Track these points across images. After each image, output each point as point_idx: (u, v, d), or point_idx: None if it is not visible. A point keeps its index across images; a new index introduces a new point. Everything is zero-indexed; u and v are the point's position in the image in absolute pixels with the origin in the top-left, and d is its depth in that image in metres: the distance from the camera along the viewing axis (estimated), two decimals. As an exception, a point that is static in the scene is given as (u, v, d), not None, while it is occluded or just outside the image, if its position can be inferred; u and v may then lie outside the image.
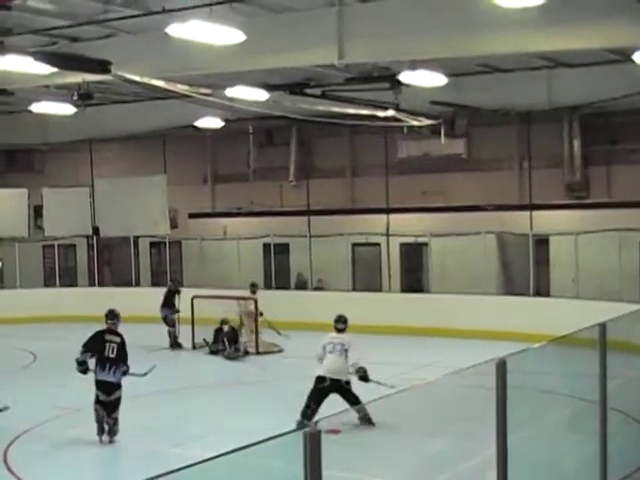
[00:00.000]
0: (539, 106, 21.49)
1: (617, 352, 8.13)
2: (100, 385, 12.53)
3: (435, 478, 9.00)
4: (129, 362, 12.74)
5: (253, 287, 21.14)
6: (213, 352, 20.13)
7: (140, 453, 11.91)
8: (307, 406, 12.53)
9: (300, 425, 11.92)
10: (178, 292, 21.63)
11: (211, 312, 20.34)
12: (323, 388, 12.62)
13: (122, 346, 12.73)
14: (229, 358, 19.60)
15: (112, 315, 13.18)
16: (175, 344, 21.14)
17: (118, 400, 12.52)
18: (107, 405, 12.47)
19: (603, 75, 19.42)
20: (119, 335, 12.88)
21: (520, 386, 7.16)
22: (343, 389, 12.65)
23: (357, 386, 12.65)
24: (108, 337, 12.78)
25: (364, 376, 12.80)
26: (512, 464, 5.89)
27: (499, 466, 5.76)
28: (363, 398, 11.81)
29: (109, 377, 12.52)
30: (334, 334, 13.32)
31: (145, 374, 13.38)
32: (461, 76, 19.99)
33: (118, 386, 12.57)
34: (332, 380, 12.63)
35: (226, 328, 20.23)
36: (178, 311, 21.34)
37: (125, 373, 12.69)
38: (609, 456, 7.39)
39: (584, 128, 24.06)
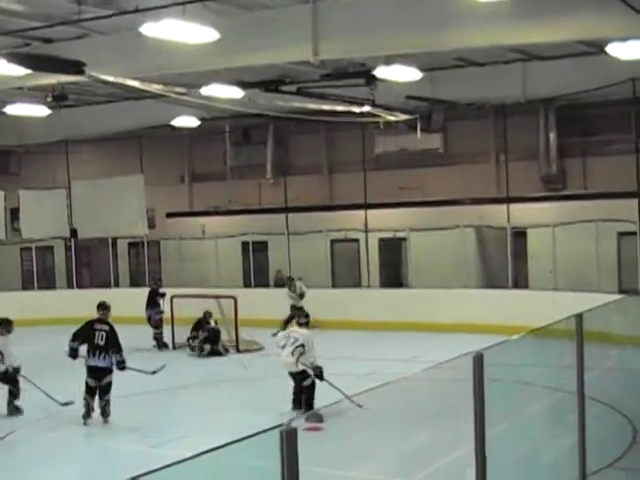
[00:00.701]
0: (514, 99, 21.58)
1: (594, 343, 8.18)
2: (91, 371, 13.29)
3: (416, 473, 9.04)
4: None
5: (290, 280, 21.74)
6: (190, 344, 20.04)
7: (122, 453, 11.90)
8: (293, 392, 13.37)
9: (293, 407, 13.14)
10: (161, 293, 21.52)
11: (191, 312, 20.29)
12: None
13: (112, 334, 13.46)
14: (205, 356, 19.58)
15: (103, 307, 14.03)
16: (161, 344, 21.06)
17: (109, 384, 13.31)
18: (99, 390, 13.32)
19: (577, 67, 19.54)
20: (108, 324, 13.64)
21: (499, 379, 7.20)
22: (295, 380, 13.28)
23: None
24: (97, 326, 13.57)
25: (319, 375, 13.09)
26: (491, 457, 5.91)
27: (478, 460, 5.78)
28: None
29: (99, 362, 13.29)
30: (295, 327, 14.03)
31: (154, 372, 14.37)
32: (436, 70, 20.07)
33: (109, 371, 13.32)
34: (290, 373, 13.30)
35: (212, 323, 20.17)
36: (162, 311, 21.25)
37: (121, 364, 13.34)
38: (588, 447, 7.43)
39: (559, 120, 24.17)
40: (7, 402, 14.15)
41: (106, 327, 13.55)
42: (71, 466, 11.33)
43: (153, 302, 21.37)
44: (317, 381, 13.17)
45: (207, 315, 20.25)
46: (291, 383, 13.40)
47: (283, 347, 13.31)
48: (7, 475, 10.83)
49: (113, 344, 13.35)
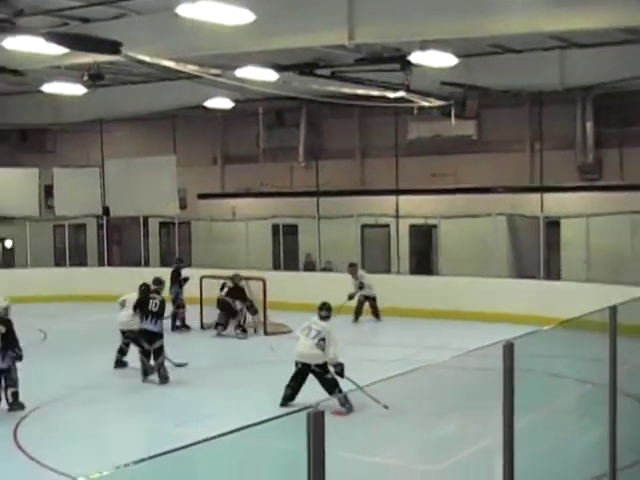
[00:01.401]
0: (551, 87, 21.35)
1: (626, 337, 8.09)
2: (144, 334, 15.03)
3: (442, 461, 9.01)
4: None
5: (352, 267, 21.47)
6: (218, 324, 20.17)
7: (145, 431, 11.97)
8: (288, 385, 12.77)
9: (282, 404, 12.53)
10: (184, 277, 21.29)
11: (219, 293, 20.34)
12: (298, 370, 12.81)
13: (162, 304, 15.34)
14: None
15: (158, 281, 16.51)
16: (183, 326, 21.05)
17: (160, 348, 14.97)
18: (152, 353, 14.94)
19: (616, 55, 19.28)
20: (161, 295, 15.78)
21: (528, 369, 7.14)
22: (315, 373, 12.69)
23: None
24: (152, 295, 15.55)
25: (340, 372, 12.62)
26: (519, 448, 5.87)
27: (505, 450, 5.74)
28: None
29: (151, 327, 15.01)
30: (316, 319, 13.20)
31: (179, 365, 15.50)
32: (472, 57, 19.89)
33: (160, 335, 15.06)
34: (302, 364, 12.77)
35: (229, 286, 20.19)
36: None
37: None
38: (618, 442, 7.35)
39: (597, 109, 23.93)
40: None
41: (160, 297, 15.54)
42: (93, 443, 11.38)
43: (178, 281, 21.26)
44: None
45: (236, 278, 20.30)
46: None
47: (306, 335, 12.87)
48: (33, 451, 10.91)
49: (162, 313, 15.28)
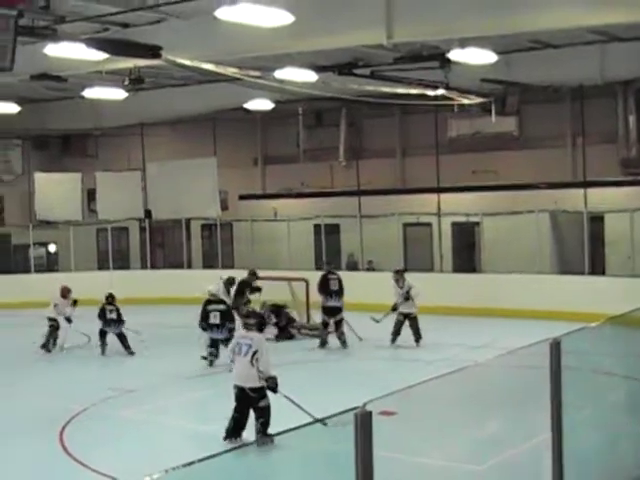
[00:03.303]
0: (592, 81, 21.16)
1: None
2: (213, 342, 16.40)
3: (489, 459, 8.97)
4: None
5: (398, 273, 18.86)
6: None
7: (191, 433, 12.00)
8: (232, 417, 11.01)
9: (225, 437, 10.85)
10: (255, 287, 20.35)
11: (262, 293, 20.37)
12: (235, 396, 11.02)
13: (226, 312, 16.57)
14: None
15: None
16: None
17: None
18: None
19: (657, 49, 19.08)
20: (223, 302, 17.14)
21: (576, 367, 7.09)
22: (249, 398, 10.84)
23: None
24: (212, 307, 16.56)
25: (273, 387, 10.81)
26: (567, 446, 5.84)
27: (554, 448, 5.72)
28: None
29: (219, 335, 16.28)
30: (242, 332, 11.62)
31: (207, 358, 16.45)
32: (512, 53, 19.76)
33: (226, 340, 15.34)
34: (239, 388, 10.98)
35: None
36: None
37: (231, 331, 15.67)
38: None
39: (639, 103, 23.67)
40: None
41: (222, 306, 16.68)
42: (141, 446, 11.44)
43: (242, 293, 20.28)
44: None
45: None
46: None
47: (232, 360, 11.21)
48: (77, 450, 11.02)
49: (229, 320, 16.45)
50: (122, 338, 18.39)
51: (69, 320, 18.76)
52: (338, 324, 18.30)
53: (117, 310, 18.46)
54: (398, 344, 18.03)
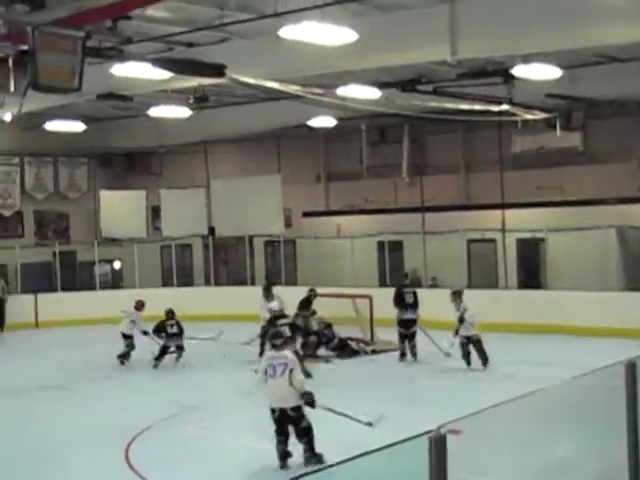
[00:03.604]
0: (659, 95, 20.87)
1: None
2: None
3: (559, 480, 8.83)
4: None
5: (455, 294, 18.30)
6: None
7: (254, 451, 11.97)
8: (278, 442, 11.05)
9: (282, 466, 10.92)
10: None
11: (326, 311, 20.40)
12: (275, 419, 11.03)
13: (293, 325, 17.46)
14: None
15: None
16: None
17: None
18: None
19: None
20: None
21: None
22: (291, 418, 10.92)
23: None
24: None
25: (310, 402, 10.91)
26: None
27: (631, 471, 5.61)
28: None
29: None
30: (272, 353, 11.44)
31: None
32: (576, 68, 19.55)
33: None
34: (280, 410, 10.95)
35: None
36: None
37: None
38: None
39: None
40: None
41: (288, 320, 17.78)
42: (206, 464, 11.49)
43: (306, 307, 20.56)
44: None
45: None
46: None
47: (272, 376, 10.99)
48: (142, 468, 11.11)
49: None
50: (180, 350, 19.02)
51: (146, 333, 19.22)
52: (412, 336, 18.76)
53: (177, 323, 19.12)
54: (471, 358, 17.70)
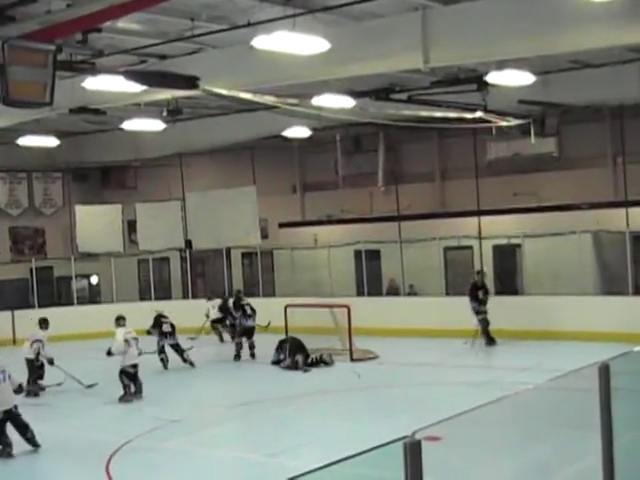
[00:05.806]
0: (632, 100, 21.01)
1: None
2: None
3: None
4: None
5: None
6: (274, 362, 20.07)
7: (238, 463, 11.98)
8: None
9: None
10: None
11: (303, 321, 20.39)
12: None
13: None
14: (288, 368, 19.56)
15: None
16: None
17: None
18: None
19: (698, 65, 18.87)
20: None
21: (622, 388, 6.97)
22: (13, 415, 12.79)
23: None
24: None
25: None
26: (619, 469, 5.74)
27: (605, 471, 5.61)
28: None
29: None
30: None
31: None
32: (550, 73, 19.66)
33: None
34: (4, 412, 12.75)
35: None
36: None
37: None
38: None
39: (680, 121, 23.42)
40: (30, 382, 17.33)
41: None
42: (189, 476, 11.44)
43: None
44: None
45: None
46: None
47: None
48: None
49: None
50: (178, 349, 19.82)
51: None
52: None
53: (171, 323, 20.01)
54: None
